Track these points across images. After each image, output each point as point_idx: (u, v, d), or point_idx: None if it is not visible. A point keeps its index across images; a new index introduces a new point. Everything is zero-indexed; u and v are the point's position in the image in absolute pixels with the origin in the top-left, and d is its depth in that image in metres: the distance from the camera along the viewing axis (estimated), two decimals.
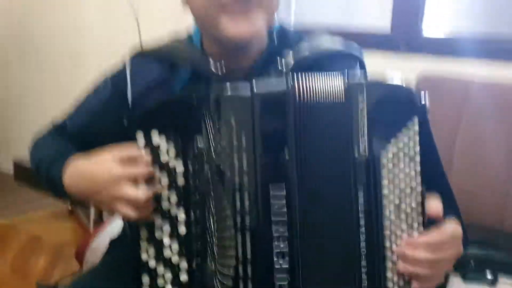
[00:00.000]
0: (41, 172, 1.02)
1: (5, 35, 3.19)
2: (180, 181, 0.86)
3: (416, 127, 0.82)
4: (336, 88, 0.83)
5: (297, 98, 0.82)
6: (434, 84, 1.62)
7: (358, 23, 2.10)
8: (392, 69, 1.77)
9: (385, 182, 0.82)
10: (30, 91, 3.16)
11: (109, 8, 2.64)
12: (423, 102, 0.83)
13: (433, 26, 1.89)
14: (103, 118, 1.03)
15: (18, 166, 3.21)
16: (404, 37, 1.87)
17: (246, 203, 0.82)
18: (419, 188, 0.83)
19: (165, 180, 0.86)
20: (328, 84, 0.83)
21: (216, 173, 0.83)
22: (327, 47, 0.99)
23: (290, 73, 0.86)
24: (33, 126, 3.14)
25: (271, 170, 0.82)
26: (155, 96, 0.96)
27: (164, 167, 0.86)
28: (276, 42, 0.99)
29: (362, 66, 1.02)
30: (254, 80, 0.84)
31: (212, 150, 0.84)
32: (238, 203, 0.82)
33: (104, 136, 0.95)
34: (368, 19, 2.09)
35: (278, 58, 0.94)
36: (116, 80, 1.04)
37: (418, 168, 0.83)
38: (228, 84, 0.85)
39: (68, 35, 2.88)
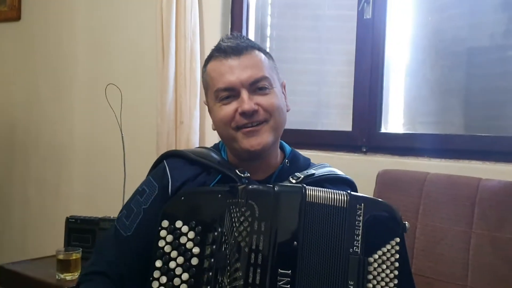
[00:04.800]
0: None
1: None
2: (194, 261, 1.04)
3: (397, 246, 1.08)
4: (341, 197, 1.08)
5: (307, 198, 1.05)
6: (394, 177, 1.81)
7: (324, 123, 2.36)
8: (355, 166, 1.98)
9: (370, 277, 1.06)
10: (15, 201, 3.26)
11: (97, 122, 2.85)
12: (403, 226, 1.09)
13: (389, 125, 2.14)
14: (154, 213, 1.14)
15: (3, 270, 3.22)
16: (364, 133, 2.12)
17: (258, 277, 0.99)
18: None
19: (180, 259, 1.04)
20: (335, 194, 1.08)
21: (236, 249, 1.01)
22: (329, 171, 1.27)
23: (299, 183, 1.13)
24: (15, 230, 3.21)
25: (282, 254, 1.01)
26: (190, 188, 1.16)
27: (181, 247, 1.04)
28: (288, 163, 1.24)
29: (354, 190, 1.28)
30: (274, 183, 1.09)
31: (234, 230, 1.02)
32: (250, 275, 0.99)
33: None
34: (332, 120, 2.34)
35: (289, 174, 1.19)
36: (158, 177, 1.21)
37: (396, 272, 1.07)
38: (250, 183, 1.11)
39: (56, 144, 3.05)
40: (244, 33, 2.50)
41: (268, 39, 2.56)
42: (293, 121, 2.38)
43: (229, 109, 1.16)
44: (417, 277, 1.62)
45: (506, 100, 1.92)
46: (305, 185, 1.08)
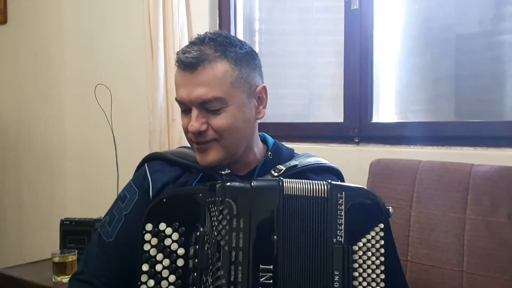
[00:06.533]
0: None
1: None
2: (180, 262, 1.03)
3: (381, 233, 1.07)
4: (321, 187, 1.06)
5: (285, 191, 1.04)
6: (387, 166, 1.81)
7: (316, 115, 2.35)
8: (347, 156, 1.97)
9: (355, 265, 1.05)
10: (9, 205, 3.24)
11: (88, 123, 2.83)
12: (387, 211, 1.08)
13: (381, 115, 2.14)
14: (135, 219, 1.15)
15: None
16: (355, 124, 2.12)
17: (239, 274, 0.99)
18: (382, 276, 1.06)
19: (166, 261, 1.04)
20: (315, 185, 1.06)
21: (216, 248, 1.00)
22: (313, 161, 1.25)
23: (281, 176, 1.13)
24: (10, 235, 3.19)
25: (262, 249, 1.01)
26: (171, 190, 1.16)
27: (166, 249, 1.04)
28: (271, 155, 1.23)
29: (340, 178, 1.27)
30: (252, 179, 1.08)
31: (214, 229, 1.01)
32: (232, 274, 0.99)
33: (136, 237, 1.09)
34: (324, 112, 2.34)
35: (272, 167, 1.17)
36: (139, 182, 1.21)
37: (382, 259, 1.06)
38: (231, 180, 1.09)
39: (48, 146, 3.03)
40: (232, 28, 2.49)
41: (256, 34, 2.56)
42: (285, 115, 2.39)
43: (184, 121, 1.15)
44: (413, 264, 1.63)
45: (496, 85, 1.93)
46: (282, 178, 1.07)
